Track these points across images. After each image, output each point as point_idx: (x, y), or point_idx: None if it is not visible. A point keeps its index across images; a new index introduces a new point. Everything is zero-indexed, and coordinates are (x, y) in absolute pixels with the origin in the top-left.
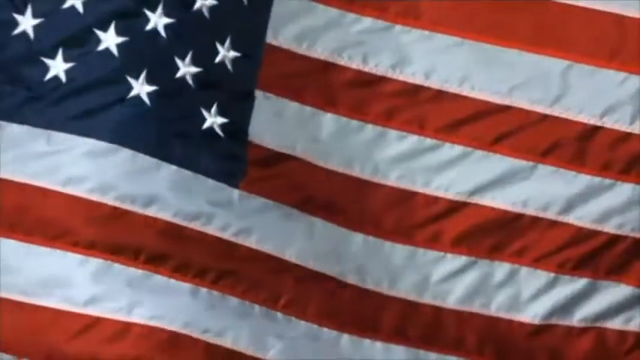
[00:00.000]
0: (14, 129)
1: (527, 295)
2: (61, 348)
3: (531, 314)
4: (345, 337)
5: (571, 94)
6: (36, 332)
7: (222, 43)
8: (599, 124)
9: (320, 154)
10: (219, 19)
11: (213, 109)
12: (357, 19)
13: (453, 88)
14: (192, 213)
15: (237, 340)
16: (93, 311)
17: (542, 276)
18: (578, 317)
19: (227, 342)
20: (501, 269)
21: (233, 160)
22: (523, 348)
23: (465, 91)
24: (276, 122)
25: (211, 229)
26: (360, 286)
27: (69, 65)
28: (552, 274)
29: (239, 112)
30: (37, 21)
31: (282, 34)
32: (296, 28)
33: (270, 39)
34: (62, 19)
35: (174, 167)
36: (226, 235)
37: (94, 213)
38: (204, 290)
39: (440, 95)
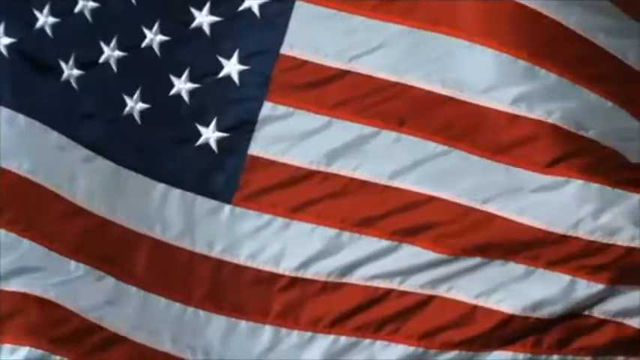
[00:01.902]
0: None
1: (542, 296)
2: None
3: (547, 313)
4: (343, 339)
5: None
6: None
7: (228, 58)
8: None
9: (332, 162)
10: (222, 35)
11: (212, 124)
12: (381, 25)
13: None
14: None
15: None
16: None
17: (557, 278)
18: (597, 311)
19: None
20: (517, 269)
21: (226, 174)
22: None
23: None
24: (284, 133)
25: (198, 247)
26: (362, 285)
27: (79, 72)
28: (569, 277)
29: (241, 126)
30: (54, 20)
31: (298, 45)
32: (315, 37)
33: (286, 50)
34: (73, 23)
35: (162, 185)
36: (213, 254)
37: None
38: (190, 310)
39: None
